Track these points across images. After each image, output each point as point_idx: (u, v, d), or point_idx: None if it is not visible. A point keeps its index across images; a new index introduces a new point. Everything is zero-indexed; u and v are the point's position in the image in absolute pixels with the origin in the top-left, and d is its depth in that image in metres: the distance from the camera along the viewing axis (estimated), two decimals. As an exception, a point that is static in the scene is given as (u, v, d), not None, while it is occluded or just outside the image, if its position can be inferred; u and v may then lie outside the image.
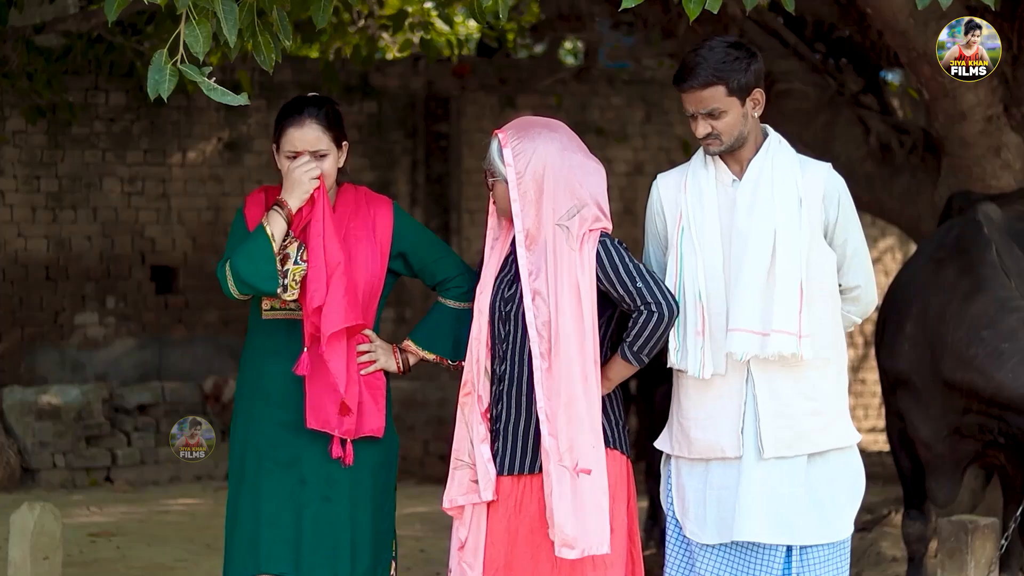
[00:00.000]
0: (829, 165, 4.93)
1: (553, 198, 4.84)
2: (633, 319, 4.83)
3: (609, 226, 4.90)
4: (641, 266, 4.85)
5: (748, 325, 4.75)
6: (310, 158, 5.00)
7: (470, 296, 5.10)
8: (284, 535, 5.02)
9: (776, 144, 4.88)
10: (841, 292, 4.93)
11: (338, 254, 5.00)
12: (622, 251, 4.85)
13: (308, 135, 5.02)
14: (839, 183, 4.90)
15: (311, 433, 5.03)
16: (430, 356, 5.20)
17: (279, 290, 4.92)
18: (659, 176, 5.03)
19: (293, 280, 4.95)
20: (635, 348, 4.83)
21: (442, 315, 5.23)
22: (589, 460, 4.79)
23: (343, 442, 5.05)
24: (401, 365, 5.17)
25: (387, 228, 5.15)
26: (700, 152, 4.94)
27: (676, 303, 4.81)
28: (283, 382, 5.04)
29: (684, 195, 4.88)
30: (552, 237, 4.83)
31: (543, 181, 4.84)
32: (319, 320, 4.95)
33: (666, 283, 4.88)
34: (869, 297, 5.00)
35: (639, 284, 4.80)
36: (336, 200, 5.13)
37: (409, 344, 5.19)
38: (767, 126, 4.93)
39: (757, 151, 4.86)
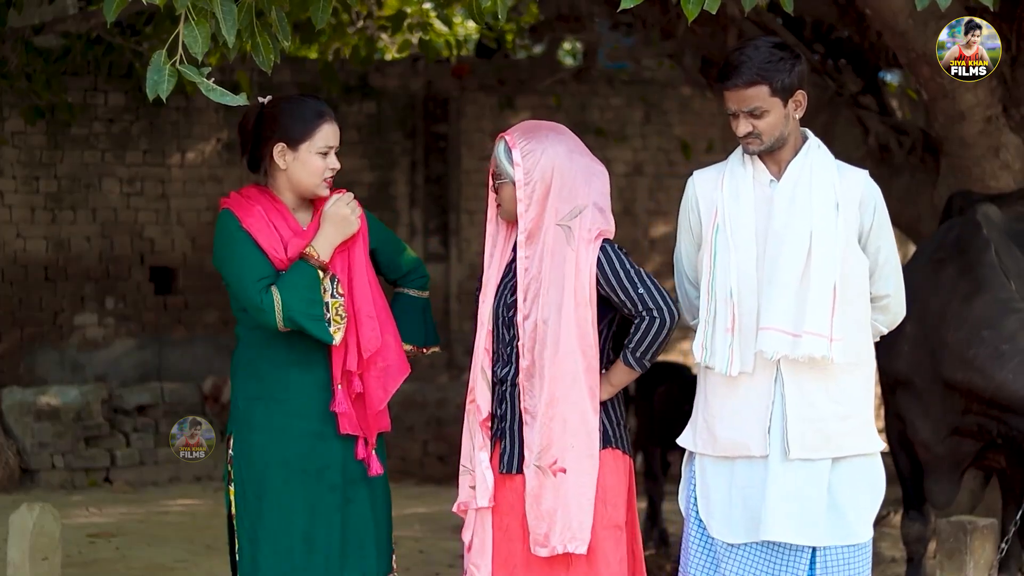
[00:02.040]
0: (866, 172, 4.93)
1: (558, 198, 4.86)
2: (635, 325, 4.85)
3: (611, 229, 4.92)
4: (642, 272, 4.86)
5: (780, 325, 4.74)
6: (351, 195, 5.02)
7: (428, 284, 5.30)
8: (322, 545, 5.04)
9: (815, 148, 4.87)
10: (871, 300, 4.94)
11: (379, 294, 5.08)
12: (623, 256, 4.86)
13: (337, 131, 5.06)
14: (876, 191, 4.90)
15: (334, 438, 5.04)
16: (407, 347, 5.23)
17: (333, 332, 4.93)
18: (696, 173, 5.02)
19: (337, 315, 4.95)
20: (637, 354, 4.86)
21: (412, 306, 5.30)
22: (566, 460, 4.81)
23: (366, 443, 5.08)
24: None
25: (364, 227, 5.16)
26: (738, 151, 4.93)
27: (677, 309, 4.84)
28: (309, 392, 5.04)
29: (721, 193, 4.87)
30: (552, 237, 4.85)
31: (551, 181, 4.86)
32: (371, 361, 5.02)
33: (700, 280, 4.89)
34: (898, 307, 5.00)
35: (640, 290, 4.82)
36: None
37: None
38: (807, 130, 4.92)
39: (796, 153, 4.86)
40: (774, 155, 4.86)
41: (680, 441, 5.05)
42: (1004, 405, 6.31)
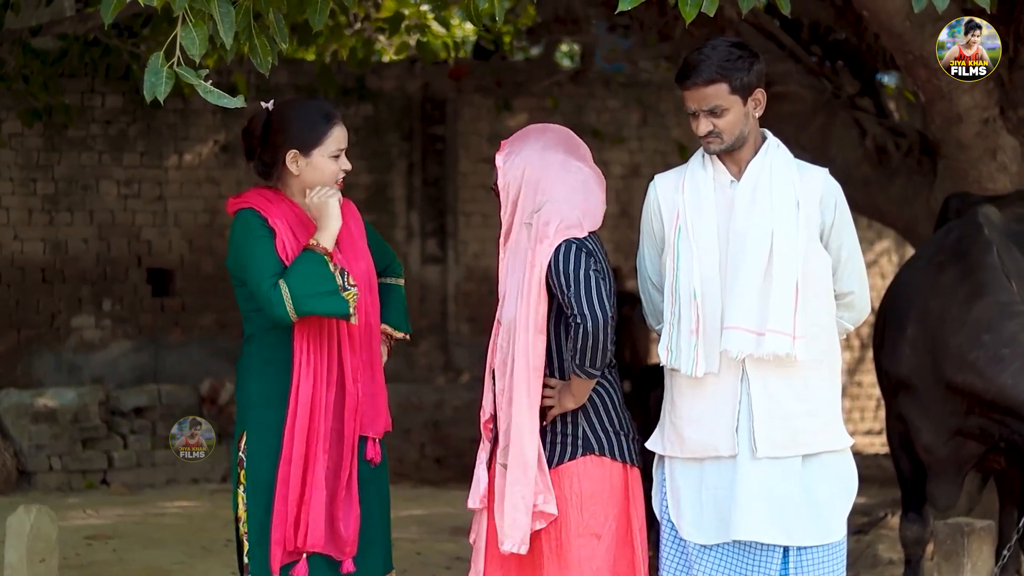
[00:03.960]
0: (826, 170, 4.95)
1: (526, 196, 4.88)
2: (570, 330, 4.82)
3: (576, 224, 4.85)
4: (583, 275, 4.77)
5: (744, 323, 4.76)
6: (331, 188, 4.99)
7: (402, 270, 5.39)
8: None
9: (774, 147, 4.90)
10: (835, 298, 4.94)
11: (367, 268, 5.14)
12: (574, 258, 4.79)
13: (346, 132, 5.09)
14: (836, 188, 4.92)
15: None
16: (398, 335, 5.27)
17: (351, 311, 4.93)
18: (656, 177, 5.04)
19: (353, 306, 4.95)
20: (576, 361, 4.79)
21: (398, 295, 5.34)
22: (508, 457, 4.82)
23: (374, 442, 5.10)
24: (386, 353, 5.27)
25: (362, 226, 5.21)
26: (698, 153, 4.96)
27: (604, 315, 4.74)
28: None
29: (682, 195, 4.90)
30: (518, 236, 4.88)
31: (521, 179, 4.88)
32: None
33: (664, 283, 4.89)
34: (862, 304, 5.01)
35: (571, 293, 4.76)
36: None
37: (385, 327, 5.24)
38: (765, 130, 4.95)
39: (756, 153, 4.88)
40: (734, 155, 4.89)
41: (649, 445, 5.04)
42: (1005, 408, 6.31)
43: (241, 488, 5.05)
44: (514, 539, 4.82)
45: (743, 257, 4.78)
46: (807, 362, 4.82)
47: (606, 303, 4.76)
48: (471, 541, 5.05)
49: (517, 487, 4.81)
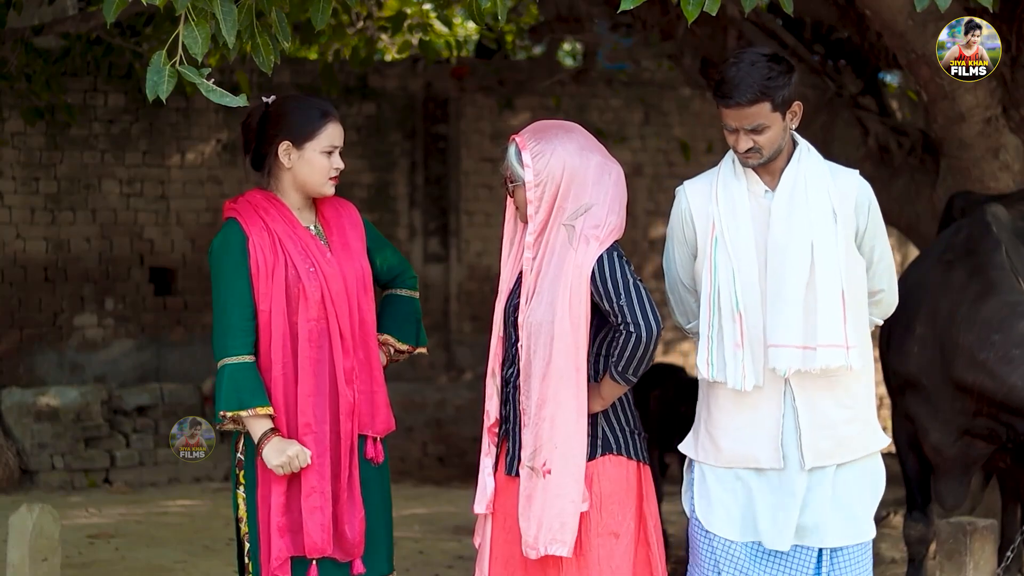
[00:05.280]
0: (857, 172, 4.93)
1: (566, 197, 4.83)
2: (614, 338, 4.80)
3: (620, 227, 4.86)
4: (632, 282, 4.78)
5: (790, 340, 4.73)
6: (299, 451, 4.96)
7: (417, 284, 5.32)
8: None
9: (806, 152, 4.87)
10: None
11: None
12: (619, 264, 4.79)
13: (342, 131, 5.07)
14: (868, 191, 4.91)
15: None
16: (403, 347, 5.25)
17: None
18: (686, 184, 4.99)
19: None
20: (619, 368, 4.79)
21: (407, 306, 5.31)
22: (552, 461, 4.78)
23: (374, 441, 5.10)
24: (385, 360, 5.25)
25: (360, 227, 5.18)
26: (727, 161, 4.92)
27: (657, 325, 4.75)
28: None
29: (716, 206, 4.85)
30: (555, 236, 4.83)
31: (561, 180, 4.83)
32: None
33: (700, 290, 4.86)
34: (891, 299, 5.05)
35: (622, 301, 4.75)
36: (326, 204, 5.15)
37: (389, 338, 5.22)
38: (795, 132, 4.92)
39: (788, 161, 4.85)
40: (768, 165, 4.85)
41: (682, 448, 5.04)
42: (1014, 409, 6.30)
43: (240, 488, 5.05)
44: (563, 543, 4.76)
45: (785, 270, 4.76)
46: (855, 369, 4.81)
47: (657, 313, 4.78)
48: (475, 545, 5.05)
49: (565, 490, 4.77)
